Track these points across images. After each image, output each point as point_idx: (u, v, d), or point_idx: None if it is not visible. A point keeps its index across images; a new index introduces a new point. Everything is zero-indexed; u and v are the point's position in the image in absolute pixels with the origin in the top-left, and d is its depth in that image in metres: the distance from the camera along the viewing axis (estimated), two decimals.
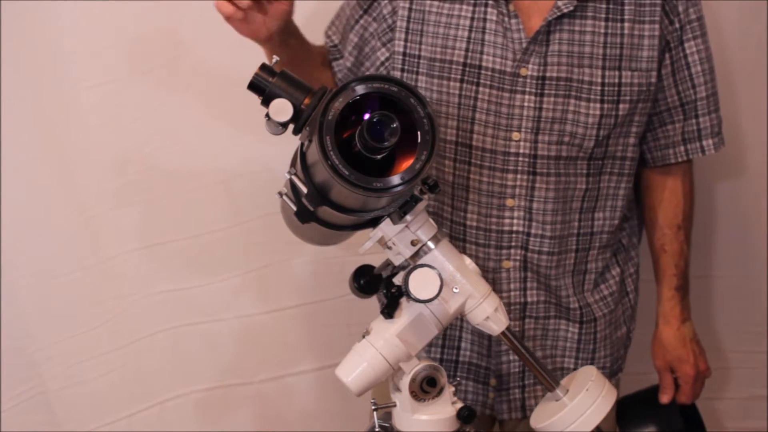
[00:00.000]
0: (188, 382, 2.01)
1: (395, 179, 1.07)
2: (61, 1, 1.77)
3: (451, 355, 1.64)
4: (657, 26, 1.51)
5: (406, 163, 1.08)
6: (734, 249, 2.02)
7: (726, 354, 2.04)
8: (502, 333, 1.22)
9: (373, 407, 1.28)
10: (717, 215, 1.99)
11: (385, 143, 1.04)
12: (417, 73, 1.55)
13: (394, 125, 1.04)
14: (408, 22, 1.55)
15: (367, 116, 1.05)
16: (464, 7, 1.52)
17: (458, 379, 1.63)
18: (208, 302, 1.97)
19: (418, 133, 1.08)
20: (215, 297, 1.97)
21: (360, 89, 1.07)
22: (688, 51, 1.54)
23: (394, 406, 1.27)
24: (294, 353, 2.05)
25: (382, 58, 1.59)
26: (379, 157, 1.06)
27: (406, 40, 1.55)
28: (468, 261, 1.23)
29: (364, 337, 1.23)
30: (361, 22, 1.60)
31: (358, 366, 1.20)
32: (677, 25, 1.52)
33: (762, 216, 1.97)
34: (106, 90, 1.83)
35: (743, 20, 1.86)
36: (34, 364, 1.91)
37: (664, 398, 1.68)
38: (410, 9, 1.55)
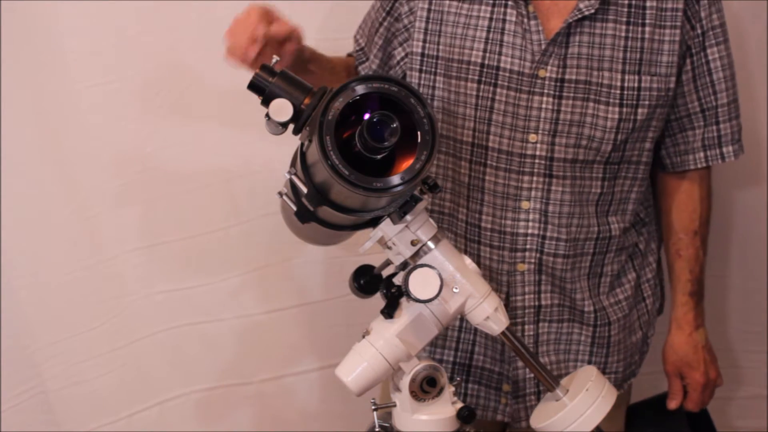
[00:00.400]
0: (188, 382, 2.00)
1: (395, 179, 1.07)
2: (61, 1, 1.77)
3: (464, 359, 1.63)
4: (678, 31, 1.48)
5: (406, 163, 1.08)
6: (736, 249, 2.02)
7: (729, 353, 2.04)
8: (502, 333, 1.22)
9: (373, 407, 1.28)
10: (718, 216, 1.98)
11: (385, 143, 1.04)
12: (435, 73, 1.54)
13: (394, 125, 1.04)
14: (426, 22, 1.54)
15: (367, 116, 1.05)
16: (483, 7, 1.50)
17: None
18: (208, 302, 1.97)
19: (418, 133, 1.08)
20: (215, 297, 1.97)
21: (360, 89, 1.07)
22: (710, 57, 1.52)
23: (394, 406, 1.27)
24: (294, 353, 2.05)
25: (398, 57, 1.59)
26: (379, 157, 1.06)
27: (424, 41, 1.54)
28: (468, 261, 1.23)
29: (364, 337, 1.23)
30: (385, 24, 1.59)
31: (358, 366, 1.21)
32: (699, 31, 1.50)
33: (762, 216, 1.97)
34: (106, 90, 1.83)
35: (743, 20, 1.86)
36: (34, 364, 1.90)
37: (672, 404, 1.66)
38: (428, 9, 1.54)
